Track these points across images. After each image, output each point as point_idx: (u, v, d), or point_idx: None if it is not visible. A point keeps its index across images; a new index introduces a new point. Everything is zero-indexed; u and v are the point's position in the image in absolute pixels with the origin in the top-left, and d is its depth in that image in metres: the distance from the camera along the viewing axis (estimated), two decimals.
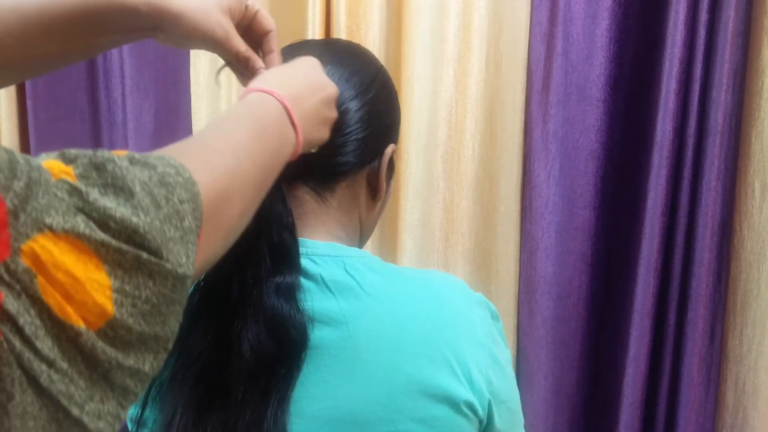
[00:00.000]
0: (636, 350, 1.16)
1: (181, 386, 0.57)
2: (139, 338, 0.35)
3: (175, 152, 0.42)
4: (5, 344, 0.30)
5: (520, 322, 1.30)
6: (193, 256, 0.38)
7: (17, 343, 0.31)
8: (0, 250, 0.30)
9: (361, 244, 0.71)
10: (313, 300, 0.59)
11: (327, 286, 0.59)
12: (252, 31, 0.63)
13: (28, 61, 0.56)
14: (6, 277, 0.30)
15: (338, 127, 0.62)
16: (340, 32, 1.28)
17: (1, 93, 1.49)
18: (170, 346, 0.38)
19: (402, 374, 0.57)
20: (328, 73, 0.62)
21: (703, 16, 1.10)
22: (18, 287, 0.31)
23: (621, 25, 1.19)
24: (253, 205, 0.48)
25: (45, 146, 1.52)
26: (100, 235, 0.33)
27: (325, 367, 0.57)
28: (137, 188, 0.35)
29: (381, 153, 0.67)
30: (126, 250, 0.34)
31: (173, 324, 0.38)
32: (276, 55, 0.64)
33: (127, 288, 0.34)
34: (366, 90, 0.64)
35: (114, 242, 0.33)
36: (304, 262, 0.60)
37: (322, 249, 0.62)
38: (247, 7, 0.61)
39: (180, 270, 0.36)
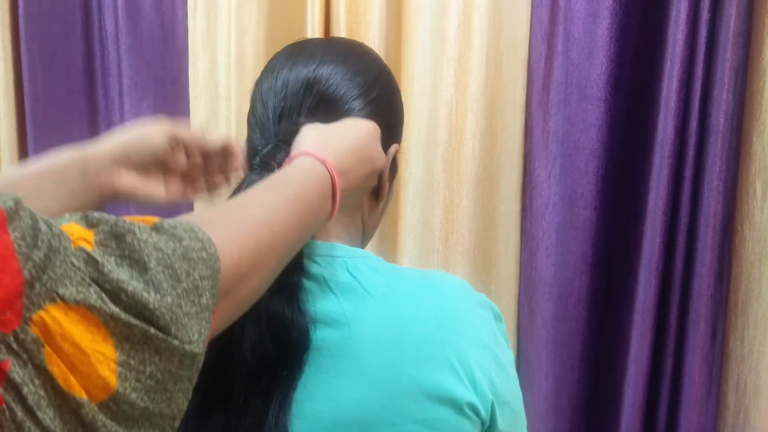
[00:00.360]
0: (637, 350, 1.16)
1: None
2: (143, 414, 0.35)
3: (208, 221, 0.42)
4: (7, 413, 0.30)
5: (520, 322, 1.29)
6: (205, 333, 0.38)
7: (19, 412, 0.31)
8: (11, 320, 0.30)
9: (363, 244, 0.70)
10: (315, 301, 0.58)
11: (329, 287, 0.59)
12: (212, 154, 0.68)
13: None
14: (14, 346, 0.30)
15: None
16: (340, 31, 1.27)
17: None
18: (177, 424, 0.38)
19: (404, 376, 0.56)
20: (330, 73, 0.62)
21: (705, 15, 1.10)
22: (25, 356, 0.31)
23: (622, 24, 1.18)
24: (272, 277, 0.48)
25: (43, 146, 1.51)
26: (111, 308, 0.33)
27: (327, 368, 0.57)
28: (152, 263, 0.36)
29: (384, 153, 0.66)
30: (134, 324, 0.34)
31: (181, 402, 0.37)
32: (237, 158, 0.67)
33: (132, 362, 0.34)
34: (369, 89, 0.64)
35: (123, 316, 0.34)
36: (306, 262, 0.60)
37: (324, 249, 0.62)
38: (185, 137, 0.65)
39: (188, 347, 0.36)
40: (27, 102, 1.49)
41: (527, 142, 1.26)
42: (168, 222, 0.39)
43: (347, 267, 0.60)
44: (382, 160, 0.60)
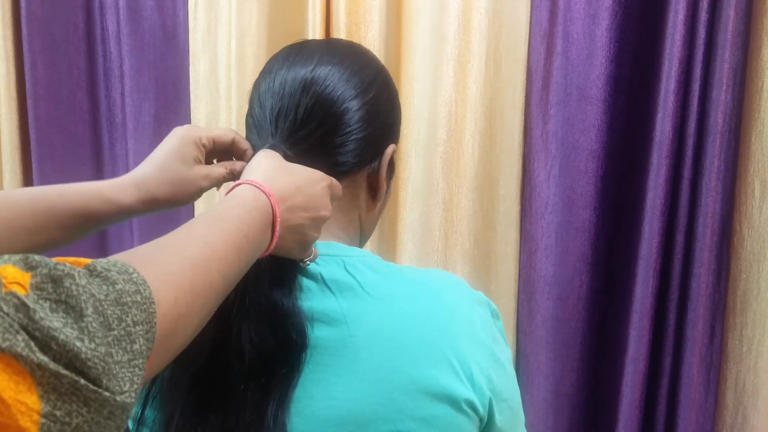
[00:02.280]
0: (636, 350, 1.16)
1: (180, 385, 0.57)
2: None
3: (144, 260, 0.41)
4: None
5: (519, 322, 1.30)
6: (138, 381, 0.37)
7: None
8: None
9: (361, 244, 0.71)
10: (313, 299, 0.59)
11: (327, 286, 0.60)
12: (232, 151, 0.68)
13: (33, 247, 0.58)
14: None
15: (338, 127, 0.62)
16: (340, 32, 1.28)
17: (1, 92, 1.49)
18: None
19: (402, 374, 0.57)
20: (327, 73, 0.63)
21: (703, 15, 1.10)
22: None
23: (621, 25, 1.18)
24: (209, 316, 0.46)
25: (45, 146, 1.52)
26: (39, 357, 0.32)
27: (326, 366, 0.57)
28: (89, 310, 0.35)
29: (381, 153, 0.67)
30: (63, 375, 0.33)
31: None
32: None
33: (58, 413, 0.33)
34: (366, 90, 0.64)
35: (52, 365, 0.33)
36: None
37: (322, 248, 0.62)
38: (214, 141, 0.66)
39: (119, 398, 0.35)
40: (29, 102, 1.49)
41: (526, 142, 1.26)
42: (102, 264, 0.38)
43: (345, 266, 0.61)
44: (328, 211, 0.59)
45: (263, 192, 0.53)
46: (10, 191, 0.58)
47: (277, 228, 0.53)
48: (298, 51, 0.66)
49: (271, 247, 0.54)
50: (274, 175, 0.56)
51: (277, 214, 0.53)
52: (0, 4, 1.47)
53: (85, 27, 1.52)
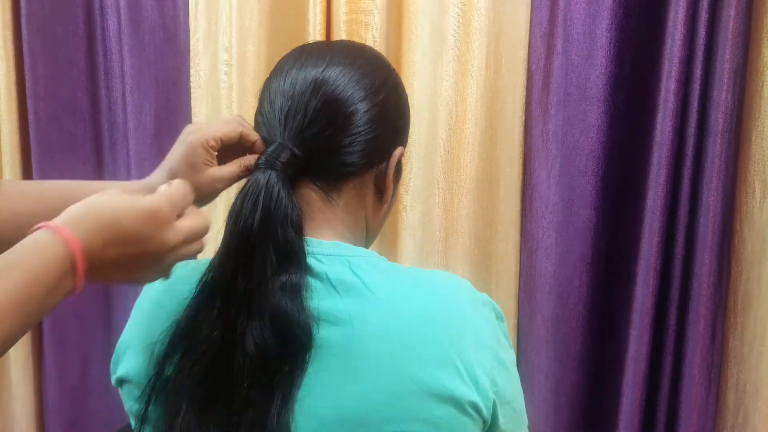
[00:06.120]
0: (636, 350, 1.16)
1: (185, 383, 0.57)
2: None
3: None
4: None
5: (520, 321, 1.30)
6: None
7: None
8: None
9: (367, 244, 0.71)
10: (318, 299, 0.59)
11: (332, 285, 0.60)
12: (242, 145, 0.67)
13: None
14: None
15: (346, 128, 0.63)
16: (340, 32, 1.28)
17: (1, 92, 1.49)
18: None
19: (407, 375, 0.57)
20: (338, 74, 0.63)
21: (703, 15, 1.10)
22: None
23: (621, 25, 1.19)
24: None
25: (45, 146, 1.51)
26: None
27: (330, 366, 0.57)
28: None
29: (389, 155, 0.67)
30: None
31: None
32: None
33: None
34: (376, 92, 0.65)
35: None
36: (310, 260, 0.61)
37: (327, 248, 0.63)
38: (222, 141, 0.65)
39: None
40: (29, 102, 1.49)
41: (527, 142, 1.26)
42: None
43: (350, 266, 0.61)
44: (155, 243, 0.53)
45: (61, 236, 0.48)
46: (38, 182, 0.55)
47: (79, 273, 0.49)
48: (310, 51, 0.67)
49: (77, 290, 0.50)
50: (85, 214, 0.51)
51: (78, 259, 0.48)
52: (0, 4, 1.46)
53: (85, 27, 1.52)
